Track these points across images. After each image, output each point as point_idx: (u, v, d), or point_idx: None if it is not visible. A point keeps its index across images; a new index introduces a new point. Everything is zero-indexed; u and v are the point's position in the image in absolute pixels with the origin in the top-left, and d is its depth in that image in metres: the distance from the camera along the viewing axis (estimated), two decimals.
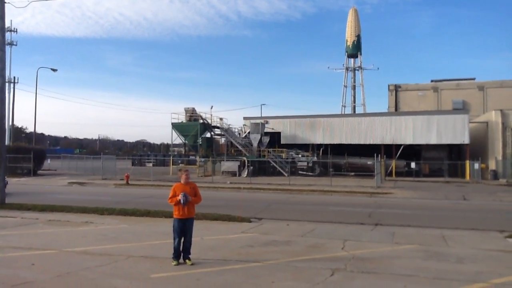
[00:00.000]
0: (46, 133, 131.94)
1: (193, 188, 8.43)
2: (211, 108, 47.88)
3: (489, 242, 10.94)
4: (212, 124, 45.37)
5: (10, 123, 53.41)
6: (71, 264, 8.14)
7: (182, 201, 8.10)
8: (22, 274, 7.43)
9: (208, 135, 47.28)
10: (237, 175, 39.94)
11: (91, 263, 8.19)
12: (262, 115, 54.47)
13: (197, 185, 8.72)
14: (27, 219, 13.95)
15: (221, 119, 46.10)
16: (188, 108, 44.98)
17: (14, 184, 29.42)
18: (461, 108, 49.63)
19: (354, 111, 70.95)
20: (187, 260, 8.15)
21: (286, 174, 38.42)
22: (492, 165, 39.90)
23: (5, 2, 17.56)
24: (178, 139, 46.65)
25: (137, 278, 7.26)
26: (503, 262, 8.81)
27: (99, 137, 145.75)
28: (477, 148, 41.98)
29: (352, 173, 41.23)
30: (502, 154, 39.82)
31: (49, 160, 50.88)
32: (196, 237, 8.88)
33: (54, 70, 49.62)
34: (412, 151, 42.86)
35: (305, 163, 42.82)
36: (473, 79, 57.49)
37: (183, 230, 8.26)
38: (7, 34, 56.26)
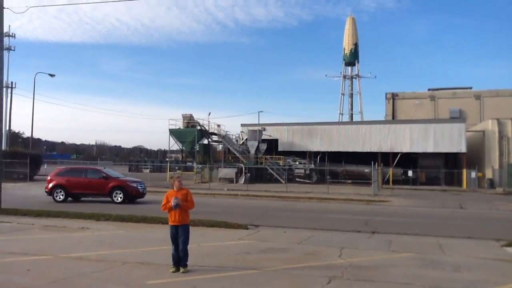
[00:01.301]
0: (43, 138, 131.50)
1: (185, 194, 8.34)
2: (209, 114, 48.01)
3: (486, 251, 10.95)
4: (210, 131, 45.42)
5: (7, 128, 53.31)
6: (67, 269, 8.10)
7: (173, 205, 8.08)
8: (17, 279, 7.39)
9: (205, 141, 47.31)
10: (234, 182, 39.92)
11: (87, 269, 8.15)
12: (260, 122, 54.59)
13: (190, 191, 8.63)
14: (23, 224, 13.88)
15: (218, 125, 46.21)
16: (186, 114, 45.03)
17: (10, 189, 29.28)
18: (458, 117, 49.89)
19: (352, 119, 71.07)
20: (181, 267, 8.11)
21: (283, 181, 38.44)
22: (488, 174, 40.02)
23: (4, 8, 17.60)
24: (175, 146, 46.70)
25: (133, 285, 7.23)
26: (499, 270, 8.81)
27: (96, 142, 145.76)
28: (473, 156, 42.10)
29: (349, 181, 41.29)
30: (498, 163, 39.96)
31: (45, 165, 50.69)
32: (192, 243, 8.85)
33: (51, 75, 49.63)
34: (409, 159, 42.97)
35: (302, 171, 42.90)
36: (470, 88, 57.82)
37: (176, 237, 8.21)
38: (5, 39, 56.28)
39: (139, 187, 22.34)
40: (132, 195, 21.97)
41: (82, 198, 22.63)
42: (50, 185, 22.16)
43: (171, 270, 8.01)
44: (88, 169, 24.10)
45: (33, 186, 32.83)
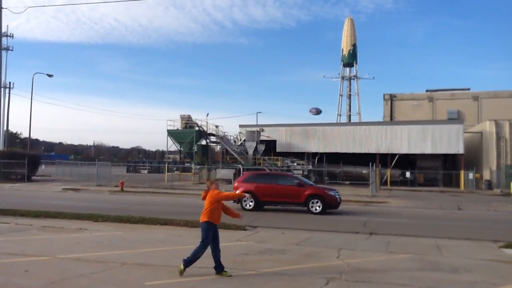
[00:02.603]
0: (41, 139, 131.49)
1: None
2: (207, 115, 48.38)
3: (484, 252, 10.98)
4: (208, 132, 45.41)
5: (5, 128, 53.18)
6: (65, 270, 8.09)
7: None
8: (15, 280, 7.38)
9: (203, 142, 47.30)
10: (232, 183, 39.85)
11: (85, 270, 8.14)
12: (258, 123, 54.64)
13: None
14: (21, 225, 13.85)
15: (216, 126, 46.21)
16: (184, 115, 45.02)
17: (8, 189, 29.24)
18: (456, 118, 50.01)
19: (350, 120, 71.21)
20: (223, 272, 7.88)
21: None
22: (486, 175, 40.12)
23: (2, 8, 17.59)
24: (173, 146, 46.73)
25: (131, 286, 7.23)
26: (497, 272, 8.84)
27: (94, 143, 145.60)
28: (471, 158, 42.20)
29: (347, 182, 41.33)
30: (496, 164, 40.08)
31: (43, 166, 50.60)
32: (190, 245, 8.84)
33: (50, 75, 49.61)
34: (407, 161, 43.06)
35: (301, 172, 42.87)
36: (468, 89, 57.98)
37: (213, 237, 7.94)
38: (3, 39, 56.13)
39: (336, 196, 20.04)
40: (331, 205, 19.55)
41: (265, 206, 20.45)
42: (238, 192, 20.10)
43: (181, 268, 7.80)
44: (279, 175, 22.49)
45: (31, 187, 32.77)
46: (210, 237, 7.87)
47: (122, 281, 7.51)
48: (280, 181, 20.49)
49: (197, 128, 44.15)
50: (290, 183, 20.23)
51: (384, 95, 59.04)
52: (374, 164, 35.54)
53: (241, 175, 21.69)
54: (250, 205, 19.80)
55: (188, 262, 7.82)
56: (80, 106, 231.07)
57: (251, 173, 22.54)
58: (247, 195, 8.35)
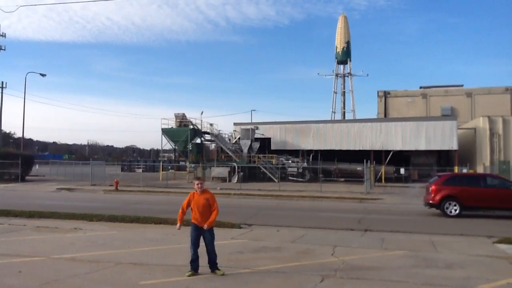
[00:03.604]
0: (35, 139, 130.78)
1: (207, 199, 7.93)
2: (201, 113, 47.92)
3: (478, 248, 11.04)
4: (202, 130, 45.30)
5: None
6: (59, 271, 8.05)
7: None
8: (9, 281, 7.33)
9: (198, 140, 47.18)
10: (227, 181, 39.85)
11: (80, 270, 8.11)
12: (252, 121, 54.56)
13: (214, 196, 8.14)
14: (15, 225, 13.78)
15: (211, 124, 46.06)
16: (178, 113, 44.88)
17: (2, 190, 29.08)
18: (450, 115, 50.18)
19: (344, 117, 71.21)
20: (217, 271, 7.89)
21: (276, 180, 38.44)
22: (480, 171, 40.29)
23: None
24: (168, 145, 46.54)
25: (125, 285, 7.21)
26: (491, 267, 8.88)
27: (88, 142, 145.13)
28: (465, 154, 42.40)
29: (342, 179, 41.39)
30: (490, 160, 40.30)
31: (37, 166, 50.33)
32: (185, 243, 8.81)
33: (43, 75, 49.26)
34: (401, 157, 43.15)
35: (295, 169, 42.94)
36: (461, 85, 58.22)
37: (198, 238, 7.90)
38: None
39: None
40: None
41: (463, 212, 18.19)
42: (438, 196, 18.24)
43: (187, 274, 7.79)
44: (486, 177, 20.32)
45: (25, 187, 32.59)
46: (193, 236, 7.91)
47: (116, 280, 7.48)
48: (489, 184, 18.85)
49: (191, 127, 44.04)
50: (502, 186, 18.57)
51: (378, 92, 59.18)
52: (369, 161, 35.59)
53: (438, 177, 19.67)
54: (454, 211, 18.04)
55: (191, 262, 7.88)
56: (74, 105, 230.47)
57: (450, 175, 20.82)
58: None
